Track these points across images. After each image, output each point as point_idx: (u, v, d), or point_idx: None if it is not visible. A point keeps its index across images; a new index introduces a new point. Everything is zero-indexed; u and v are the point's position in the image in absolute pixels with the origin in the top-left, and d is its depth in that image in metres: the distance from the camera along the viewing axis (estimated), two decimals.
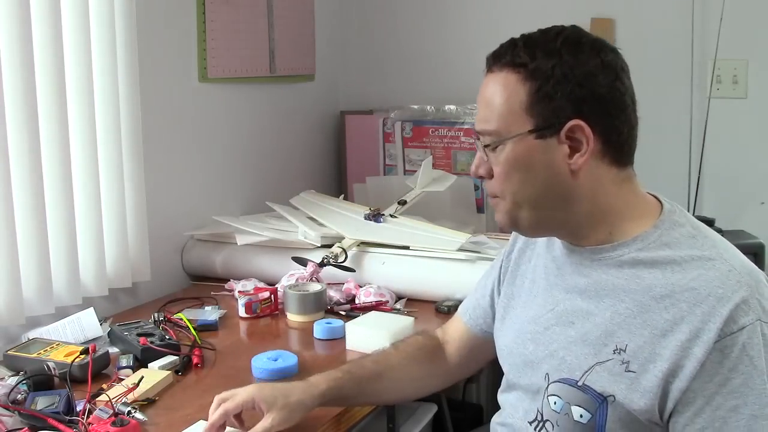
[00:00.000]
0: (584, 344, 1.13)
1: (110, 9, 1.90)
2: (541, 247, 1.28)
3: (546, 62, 1.09)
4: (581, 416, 1.11)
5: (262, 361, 1.57)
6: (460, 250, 1.97)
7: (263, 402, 1.26)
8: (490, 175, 1.16)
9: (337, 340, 1.75)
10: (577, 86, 1.08)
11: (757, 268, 1.10)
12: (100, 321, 1.78)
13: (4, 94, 1.65)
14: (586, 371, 1.11)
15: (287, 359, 1.58)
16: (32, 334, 1.70)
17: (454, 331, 1.47)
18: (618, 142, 1.12)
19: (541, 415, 1.18)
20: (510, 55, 1.12)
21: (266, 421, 1.25)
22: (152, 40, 2.09)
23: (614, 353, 1.09)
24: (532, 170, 1.11)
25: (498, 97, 1.12)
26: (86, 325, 1.75)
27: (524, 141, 1.10)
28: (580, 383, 1.12)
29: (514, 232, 1.35)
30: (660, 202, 1.17)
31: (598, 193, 1.12)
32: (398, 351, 1.44)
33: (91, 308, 1.80)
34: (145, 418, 1.34)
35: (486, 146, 1.14)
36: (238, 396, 1.27)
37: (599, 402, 1.09)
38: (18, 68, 1.67)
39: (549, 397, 1.16)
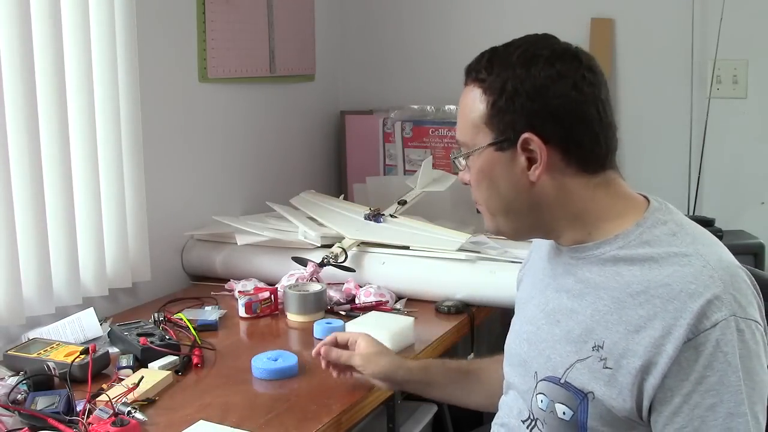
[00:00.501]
0: (567, 342, 1.14)
1: (110, 9, 1.90)
2: (545, 251, 1.30)
3: (501, 77, 1.12)
4: (564, 413, 1.12)
5: (262, 361, 1.57)
6: (460, 250, 1.97)
7: (363, 341, 1.47)
8: (470, 183, 1.21)
9: None
10: (528, 100, 1.11)
11: (736, 263, 1.10)
12: (100, 321, 1.78)
13: (4, 94, 1.65)
14: (568, 369, 1.12)
15: (287, 359, 1.58)
16: (32, 334, 1.70)
17: None
18: (580, 152, 1.13)
19: (532, 413, 1.19)
20: (475, 72, 1.16)
21: (355, 359, 1.46)
22: (152, 40, 2.09)
23: (593, 350, 1.10)
24: (495, 181, 1.16)
25: (466, 110, 1.17)
26: (86, 325, 1.75)
27: (486, 153, 1.15)
28: (562, 380, 1.13)
29: (530, 250, 1.39)
30: (648, 201, 1.17)
31: (567, 200, 1.14)
32: (490, 357, 1.49)
33: (91, 308, 1.80)
34: (145, 418, 1.34)
35: (455, 158, 1.22)
36: (350, 332, 1.54)
37: (580, 399, 1.10)
38: (18, 68, 1.67)
39: (537, 396, 1.17)
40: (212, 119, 2.36)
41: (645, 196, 1.19)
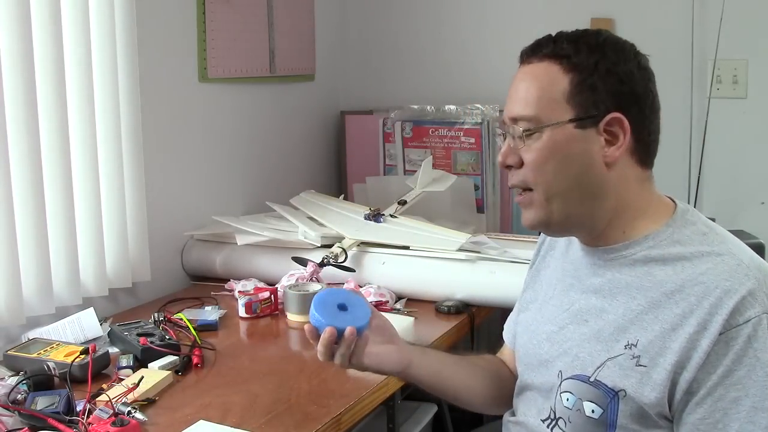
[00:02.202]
0: (597, 341, 1.15)
1: (110, 9, 1.90)
2: (560, 251, 1.30)
3: (590, 56, 1.12)
4: (593, 411, 1.13)
5: (330, 309, 1.25)
6: (460, 250, 1.97)
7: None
8: (520, 165, 1.16)
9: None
10: (618, 82, 1.12)
11: (766, 263, 1.12)
12: (100, 321, 1.78)
13: (4, 94, 1.65)
14: (599, 367, 1.13)
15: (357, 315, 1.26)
16: (32, 334, 1.69)
17: (505, 354, 1.46)
18: (646, 142, 1.16)
19: (554, 413, 1.19)
20: (552, 47, 1.15)
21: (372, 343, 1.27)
22: (152, 40, 2.09)
23: (625, 348, 1.11)
24: (567, 160, 1.13)
25: (538, 85, 1.14)
26: (86, 325, 1.75)
27: (563, 129, 1.13)
28: (592, 379, 1.13)
29: (538, 245, 1.38)
30: (675, 203, 1.20)
31: (623, 190, 1.15)
32: (479, 359, 1.43)
33: (91, 308, 1.80)
34: (145, 418, 1.34)
35: (523, 132, 1.14)
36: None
37: (610, 397, 1.11)
38: (18, 68, 1.67)
39: (561, 394, 1.17)
40: (212, 119, 2.36)
41: (670, 198, 1.21)
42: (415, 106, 2.67)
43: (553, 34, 1.17)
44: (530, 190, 1.16)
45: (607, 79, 1.12)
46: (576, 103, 1.12)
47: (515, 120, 1.16)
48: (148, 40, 2.06)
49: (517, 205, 1.20)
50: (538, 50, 1.16)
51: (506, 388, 1.37)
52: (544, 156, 1.13)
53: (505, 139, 1.19)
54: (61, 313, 1.79)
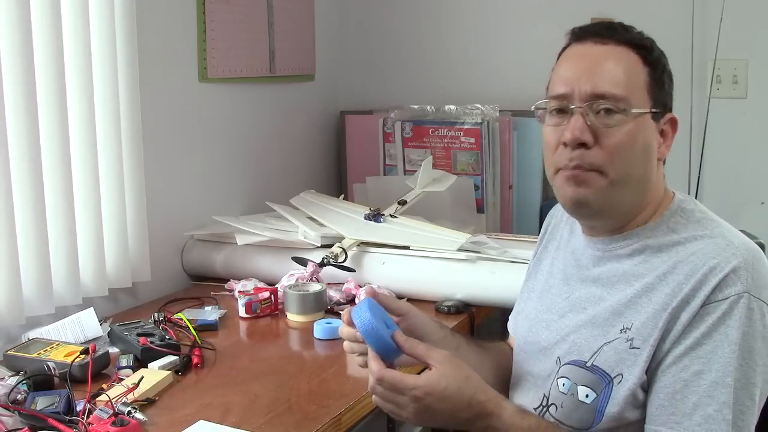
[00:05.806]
0: (593, 326, 1.16)
1: (110, 9, 1.90)
2: (561, 241, 1.32)
3: (660, 54, 1.18)
4: (587, 396, 1.13)
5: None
6: (460, 250, 1.97)
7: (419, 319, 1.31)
8: (593, 145, 1.12)
9: (337, 340, 1.75)
10: (671, 82, 1.19)
11: (758, 247, 1.13)
12: (100, 321, 1.78)
13: (4, 94, 1.65)
14: (595, 352, 1.14)
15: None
16: (32, 334, 1.69)
17: (511, 342, 1.45)
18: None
19: (547, 399, 1.20)
20: (628, 34, 1.17)
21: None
22: (152, 40, 2.09)
23: (621, 332, 1.12)
24: (641, 149, 1.15)
25: (625, 68, 1.14)
26: (86, 325, 1.75)
27: (645, 118, 1.15)
28: (588, 364, 1.14)
29: (541, 234, 1.39)
30: (673, 194, 1.22)
31: (653, 182, 1.18)
32: (488, 348, 1.42)
33: (91, 308, 1.80)
34: (145, 418, 1.34)
35: (609, 110, 1.12)
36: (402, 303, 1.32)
37: (606, 382, 1.12)
38: (18, 68, 1.67)
39: (558, 380, 1.18)
40: (212, 119, 2.36)
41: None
42: (415, 106, 2.67)
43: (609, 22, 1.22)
44: (596, 171, 1.13)
45: (668, 78, 1.18)
46: (652, 96, 1.15)
47: (601, 96, 1.12)
48: (148, 40, 2.06)
49: (567, 178, 1.14)
50: (614, 33, 1.17)
51: (508, 376, 1.36)
52: (626, 141, 1.12)
53: (570, 116, 1.14)
54: (61, 313, 1.79)
